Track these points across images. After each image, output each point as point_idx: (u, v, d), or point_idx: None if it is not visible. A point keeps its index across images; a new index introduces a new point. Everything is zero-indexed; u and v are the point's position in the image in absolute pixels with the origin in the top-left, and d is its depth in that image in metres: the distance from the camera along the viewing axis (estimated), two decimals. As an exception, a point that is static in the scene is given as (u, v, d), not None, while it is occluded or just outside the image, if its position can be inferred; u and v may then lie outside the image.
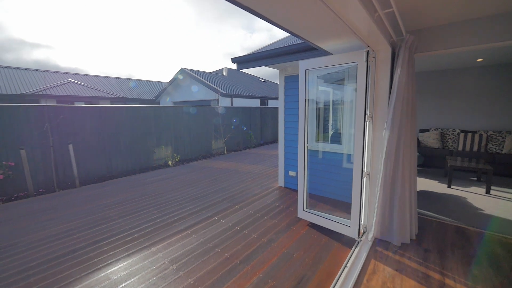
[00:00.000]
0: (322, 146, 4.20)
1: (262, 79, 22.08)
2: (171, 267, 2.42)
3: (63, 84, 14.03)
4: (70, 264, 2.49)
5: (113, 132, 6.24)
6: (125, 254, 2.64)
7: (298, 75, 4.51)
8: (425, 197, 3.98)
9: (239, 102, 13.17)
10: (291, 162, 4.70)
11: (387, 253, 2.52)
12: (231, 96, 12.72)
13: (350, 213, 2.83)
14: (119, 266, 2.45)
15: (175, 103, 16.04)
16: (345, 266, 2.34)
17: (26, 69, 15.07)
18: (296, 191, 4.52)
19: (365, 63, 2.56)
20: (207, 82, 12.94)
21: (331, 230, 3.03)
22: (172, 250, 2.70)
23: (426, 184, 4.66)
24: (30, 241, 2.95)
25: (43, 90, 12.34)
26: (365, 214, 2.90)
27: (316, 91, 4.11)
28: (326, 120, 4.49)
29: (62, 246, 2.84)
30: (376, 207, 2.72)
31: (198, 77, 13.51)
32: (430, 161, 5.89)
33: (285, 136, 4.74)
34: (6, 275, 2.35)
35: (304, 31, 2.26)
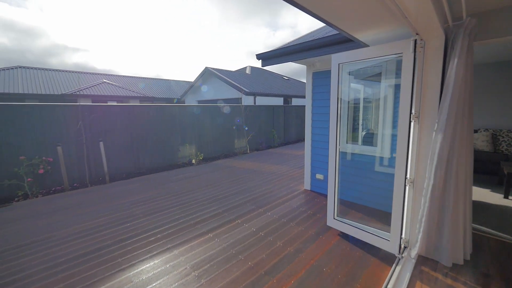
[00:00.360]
0: (353, 148, 3.85)
1: (286, 77, 21.66)
2: (192, 273, 2.31)
3: (98, 84, 14.97)
4: (95, 263, 2.50)
5: (141, 130, 6.41)
6: (148, 256, 2.60)
7: (327, 70, 4.20)
8: (477, 209, 3.46)
9: (262, 101, 13.00)
10: (318, 164, 4.40)
11: (436, 275, 2.17)
12: (254, 94, 12.58)
13: (387, 224, 2.51)
14: (142, 268, 2.40)
15: (199, 101, 16.33)
16: (386, 288, 2.04)
17: (66, 71, 16.34)
18: (324, 195, 4.22)
19: (412, 54, 2.21)
20: (230, 81, 12.94)
21: (366, 243, 2.72)
22: (194, 255, 2.59)
23: (476, 193, 4.07)
24: (62, 236, 3.05)
25: (80, 90, 13.26)
26: (407, 227, 2.54)
27: (348, 88, 3.77)
28: (356, 120, 4.12)
29: (90, 242, 2.89)
30: (421, 220, 2.36)
31: (222, 75, 13.57)
32: (478, 166, 5.19)
33: (312, 137, 4.45)
34: (36, 270, 2.41)
35: (341, 19, 1.99)
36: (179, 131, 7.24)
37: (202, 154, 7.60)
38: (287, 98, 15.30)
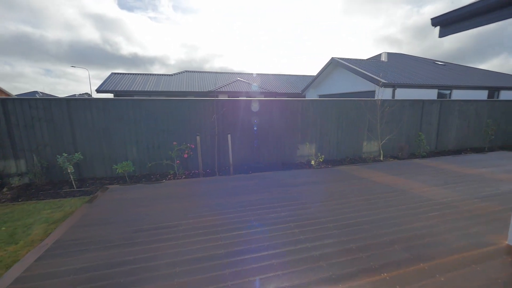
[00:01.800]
0: None
1: (440, 61, 16.25)
2: None
3: (233, 82, 17.25)
4: (205, 278, 2.21)
5: (263, 124, 6.31)
6: (258, 291, 2.04)
7: None
8: None
9: (404, 94, 10.12)
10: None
11: None
12: (394, 86, 9.97)
13: None
14: (250, 310, 1.85)
15: (320, 96, 15.27)
16: None
17: (213, 72, 20.05)
18: None
19: None
20: (362, 71, 10.92)
21: None
22: (319, 319, 1.76)
23: None
24: (187, 227, 3.12)
25: (220, 87, 15.72)
26: None
27: None
28: None
29: (207, 244, 2.73)
30: None
31: (351, 65, 11.75)
32: None
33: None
34: (162, 262, 2.43)
35: None
36: (299, 128, 6.63)
37: (322, 156, 6.63)
38: (442, 90, 11.24)
